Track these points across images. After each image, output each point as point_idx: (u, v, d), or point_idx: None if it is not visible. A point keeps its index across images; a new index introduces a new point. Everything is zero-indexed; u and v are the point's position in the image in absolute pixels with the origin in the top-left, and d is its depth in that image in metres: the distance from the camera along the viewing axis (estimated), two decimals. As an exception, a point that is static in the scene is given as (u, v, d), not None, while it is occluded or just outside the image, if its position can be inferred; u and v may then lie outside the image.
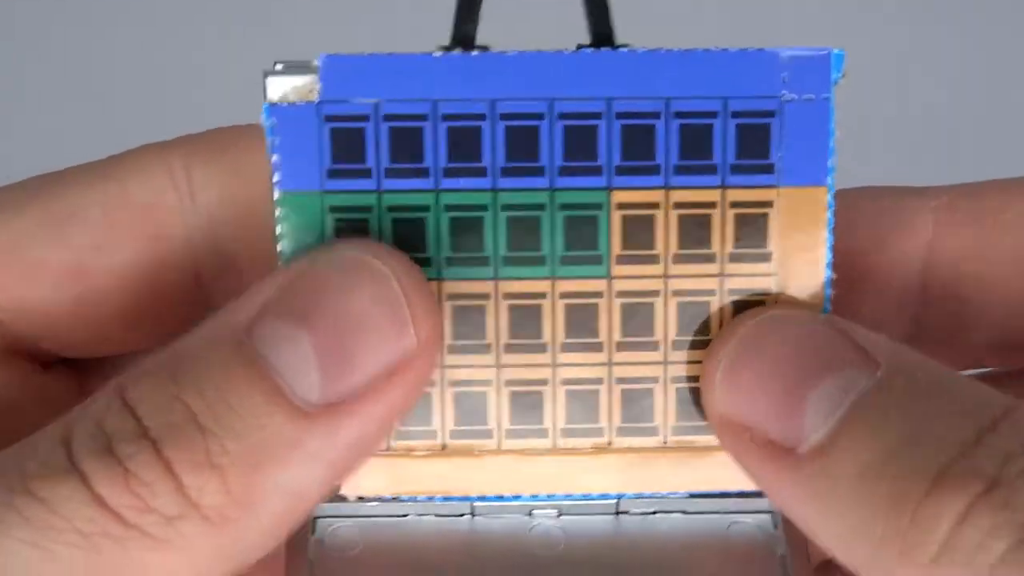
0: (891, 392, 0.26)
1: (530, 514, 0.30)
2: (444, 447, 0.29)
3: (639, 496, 0.30)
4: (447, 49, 0.29)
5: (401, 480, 0.29)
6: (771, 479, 0.27)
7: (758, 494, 0.29)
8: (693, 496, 0.30)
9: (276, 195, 0.28)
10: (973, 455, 0.25)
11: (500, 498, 0.29)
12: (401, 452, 0.29)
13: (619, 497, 0.30)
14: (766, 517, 0.30)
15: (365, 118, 0.28)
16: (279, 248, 0.28)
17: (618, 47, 0.29)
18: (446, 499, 0.29)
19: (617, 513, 0.30)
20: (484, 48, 0.29)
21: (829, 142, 0.29)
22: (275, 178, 0.28)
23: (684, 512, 0.30)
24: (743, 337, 0.28)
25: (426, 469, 0.29)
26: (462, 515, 0.30)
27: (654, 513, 0.30)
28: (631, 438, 0.29)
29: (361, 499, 0.29)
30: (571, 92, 0.28)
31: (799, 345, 0.27)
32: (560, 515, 0.30)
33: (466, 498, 0.29)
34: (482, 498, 0.29)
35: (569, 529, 0.30)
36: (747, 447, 0.27)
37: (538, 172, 0.29)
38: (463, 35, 0.29)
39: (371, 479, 0.29)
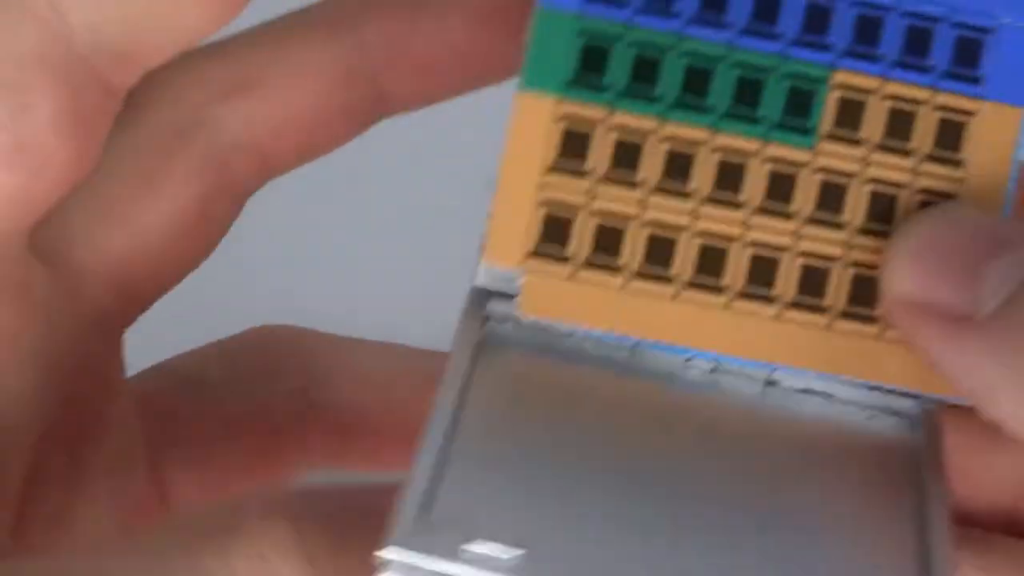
0: None
1: (687, 361, 0.31)
2: (626, 285, 0.31)
3: (793, 372, 0.31)
4: None
5: (577, 308, 0.31)
6: (948, 349, 0.29)
7: (908, 395, 0.31)
8: (844, 383, 0.31)
9: (535, 11, 0.31)
10: None
11: (661, 346, 0.31)
12: (584, 280, 0.31)
13: (774, 369, 0.31)
14: (906, 420, 0.31)
15: None
16: (524, 63, 0.31)
17: None
18: (611, 337, 0.31)
19: (767, 384, 0.31)
20: None
21: None
22: None
23: (830, 396, 0.31)
24: (927, 219, 0.30)
25: (604, 302, 0.31)
26: (621, 352, 0.31)
27: (803, 391, 0.31)
28: (801, 313, 0.31)
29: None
30: None
31: (980, 225, 0.30)
32: (713, 371, 0.31)
33: (629, 340, 0.31)
34: (643, 343, 0.31)
35: (719, 383, 0.31)
36: (924, 322, 0.29)
37: (774, 38, 0.31)
38: None
39: (550, 302, 0.31)
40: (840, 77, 0.31)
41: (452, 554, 0.25)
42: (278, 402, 0.34)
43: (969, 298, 0.28)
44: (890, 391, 0.31)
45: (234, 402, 0.32)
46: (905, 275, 0.30)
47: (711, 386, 0.31)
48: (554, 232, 0.31)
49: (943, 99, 0.31)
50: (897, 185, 0.31)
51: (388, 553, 0.25)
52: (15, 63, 0.26)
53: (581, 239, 0.31)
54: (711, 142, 0.31)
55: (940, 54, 0.31)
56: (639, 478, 0.30)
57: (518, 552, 0.25)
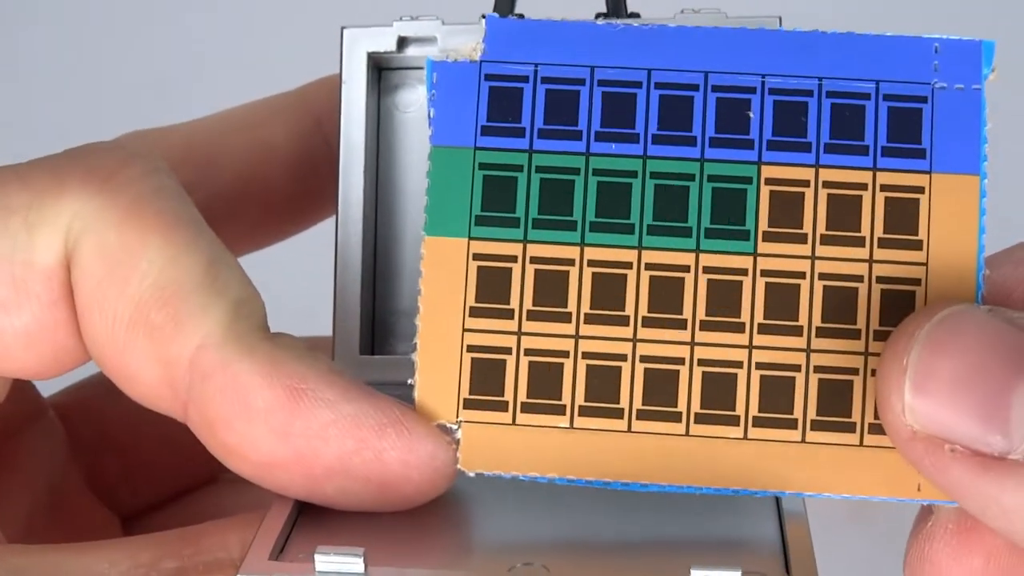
0: None
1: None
2: (572, 424, 0.28)
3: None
4: (604, 16, 0.30)
5: (523, 456, 0.28)
6: (980, 491, 0.26)
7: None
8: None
9: (430, 151, 0.29)
10: None
11: (626, 485, 0.28)
12: (526, 424, 0.29)
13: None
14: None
15: (524, 79, 0.29)
16: (426, 203, 0.29)
17: (631, 15, 0.30)
18: (569, 481, 0.29)
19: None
20: (636, 15, 0.30)
21: (981, 132, 0.28)
22: (429, 132, 0.29)
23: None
24: (929, 339, 0.27)
25: (551, 446, 0.28)
26: None
27: None
28: (767, 429, 0.28)
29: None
30: (726, 67, 0.28)
31: (991, 345, 0.26)
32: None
33: (593, 482, 0.28)
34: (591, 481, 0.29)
35: None
36: (946, 460, 0.26)
37: (689, 142, 0.29)
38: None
39: (494, 452, 0.28)
40: (769, 172, 0.28)
41: (302, 573, 0.26)
42: None
43: (997, 434, 0.26)
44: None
45: None
46: (917, 404, 0.26)
47: None
48: (487, 378, 0.28)
49: (886, 178, 0.28)
50: (853, 278, 0.28)
51: None
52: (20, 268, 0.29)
53: (516, 381, 0.28)
54: (640, 261, 0.28)
55: (875, 131, 0.28)
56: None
57: (360, 558, 0.26)
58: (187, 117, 0.35)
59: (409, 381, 0.29)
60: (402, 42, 0.33)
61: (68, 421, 0.36)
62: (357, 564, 0.26)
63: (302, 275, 0.47)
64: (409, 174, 0.33)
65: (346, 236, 0.32)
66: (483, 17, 0.29)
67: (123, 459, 0.36)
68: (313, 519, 0.28)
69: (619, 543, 0.28)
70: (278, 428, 0.27)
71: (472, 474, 0.28)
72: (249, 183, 0.34)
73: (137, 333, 0.28)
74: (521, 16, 0.29)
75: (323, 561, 0.26)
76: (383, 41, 0.33)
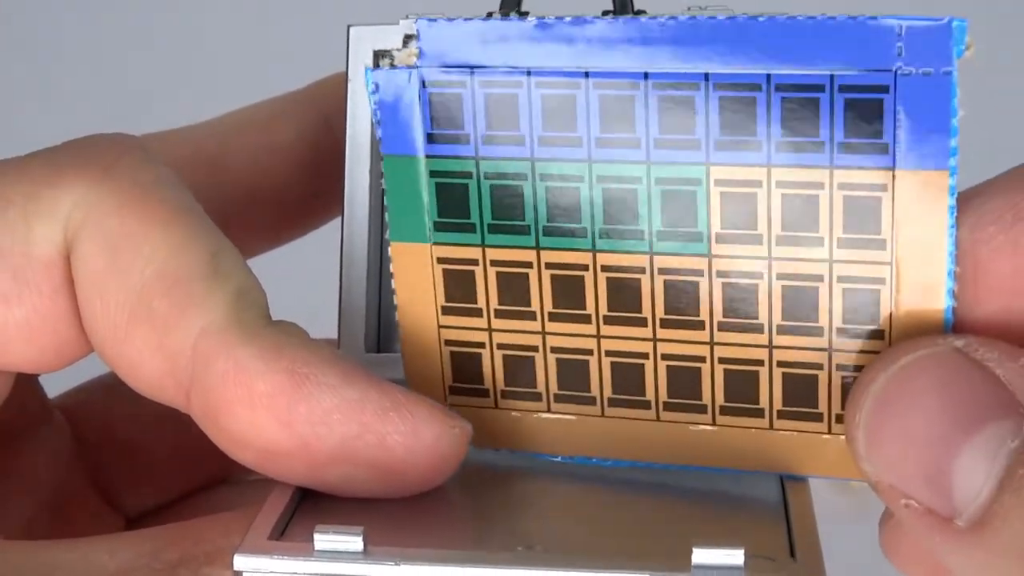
0: None
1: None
2: (550, 410, 0.29)
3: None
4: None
5: (508, 434, 0.30)
6: (935, 545, 0.26)
7: None
8: None
9: (383, 160, 0.29)
10: None
11: (618, 462, 0.29)
12: (507, 408, 0.30)
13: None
14: None
15: (462, 84, 0.28)
16: (386, 209, 0.29)
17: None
18: (558, 458, 0.30)
19: None
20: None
21: (951, 121, 0.26)
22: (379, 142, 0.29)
23: None
24: (882, 395, 0.26)
25: (532, 427, 0.29)
26: None
27: None
28: (734, 417, 0.28)
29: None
30: (667, 62, 0.27)
31: (939, 403, 0.25)
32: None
33: (582, 459, 0.29)
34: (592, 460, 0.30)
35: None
36: (904, 511, 0.26)
37: (633, 144, 0.27)
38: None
39: (480, 432, 0.29)
40: (719, 173, 0.27)
41: (301, 552, 0.26)
42: None
43: (942, 496, 0.25)
44: None
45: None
46: (870, 459, 0.26)
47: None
48: (466, 368, 0.30)
49: (845, 176, 0.26)
50: (812, 278, 0.27)
51: (238, 563, 0.26)
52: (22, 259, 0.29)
53: (494, 372, 0.29)
54: (595, 264, 0.28)
55: (831, 127, 0.26)
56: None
57: (359, 537, 0.26)
58: (194, 119, 0.35)
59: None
60: (408, 40, 0.32)
61: (74, 422, 0.36)
62: (356, 543, 0.26)
63: (307, 277, 0.47)
64: None
65: (351, 234, 0.33)
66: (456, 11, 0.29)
67: (129, 460, 0.36)
68: (315, 505, 0.29)
69: (622, 524, 0.29)
70: (281, 413, 0.27)
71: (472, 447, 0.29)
72: (260, 183, 0.35)
73: (139, 322, 0.28)
74: (526, 14, 0.29)
75: (322, 540, 0.26)
76: (389, 39, 0.32)
